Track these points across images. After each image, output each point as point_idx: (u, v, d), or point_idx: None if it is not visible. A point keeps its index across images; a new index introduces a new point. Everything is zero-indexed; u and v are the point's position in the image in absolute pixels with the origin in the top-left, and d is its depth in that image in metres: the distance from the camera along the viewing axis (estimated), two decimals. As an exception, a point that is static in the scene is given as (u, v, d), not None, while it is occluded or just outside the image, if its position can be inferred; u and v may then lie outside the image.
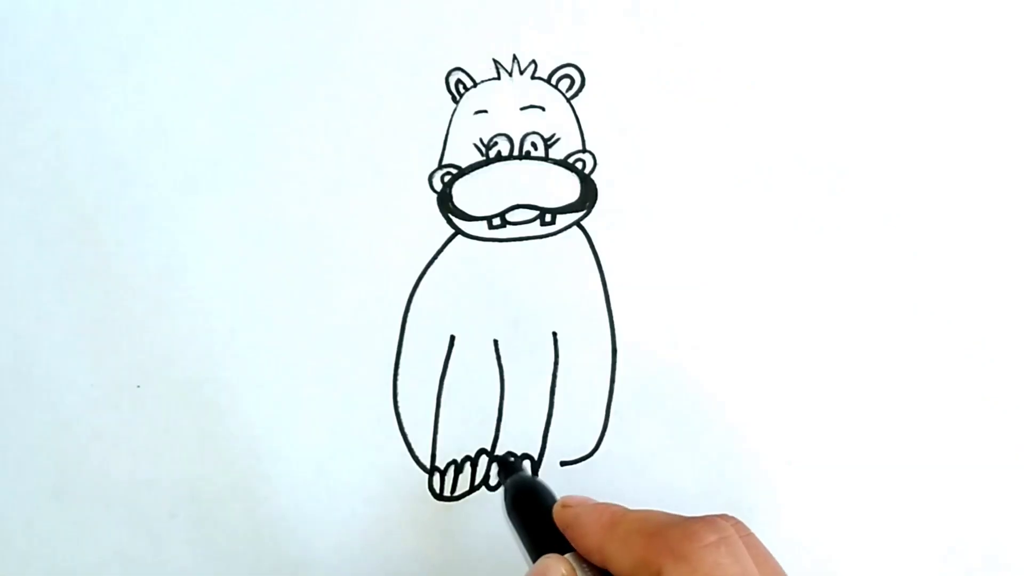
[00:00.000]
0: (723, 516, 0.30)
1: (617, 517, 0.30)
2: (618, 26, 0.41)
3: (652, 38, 0.41)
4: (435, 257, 0.40)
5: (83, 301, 0.40)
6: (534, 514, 0.34)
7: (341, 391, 0.40)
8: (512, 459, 0.39)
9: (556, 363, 0.40)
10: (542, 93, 0.41)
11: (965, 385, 0.40)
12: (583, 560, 0.31)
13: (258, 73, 0.41)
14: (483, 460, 0.40)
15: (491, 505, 0.39)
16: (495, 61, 0.41)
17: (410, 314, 0.40)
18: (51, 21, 0.41)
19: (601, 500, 0.32)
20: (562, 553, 0.31)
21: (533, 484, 0.36)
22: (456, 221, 0.40)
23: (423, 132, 0.41)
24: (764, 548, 0.30)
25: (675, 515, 0.30)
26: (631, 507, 0.31)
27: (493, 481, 0.40)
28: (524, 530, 0.35)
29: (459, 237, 0.40)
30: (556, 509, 0.32)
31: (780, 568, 0.30)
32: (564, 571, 0.30)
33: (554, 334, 0.40)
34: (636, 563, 0.28)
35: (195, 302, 0.40)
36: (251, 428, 0.40)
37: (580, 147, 0.41)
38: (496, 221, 0.40)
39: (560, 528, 0.32)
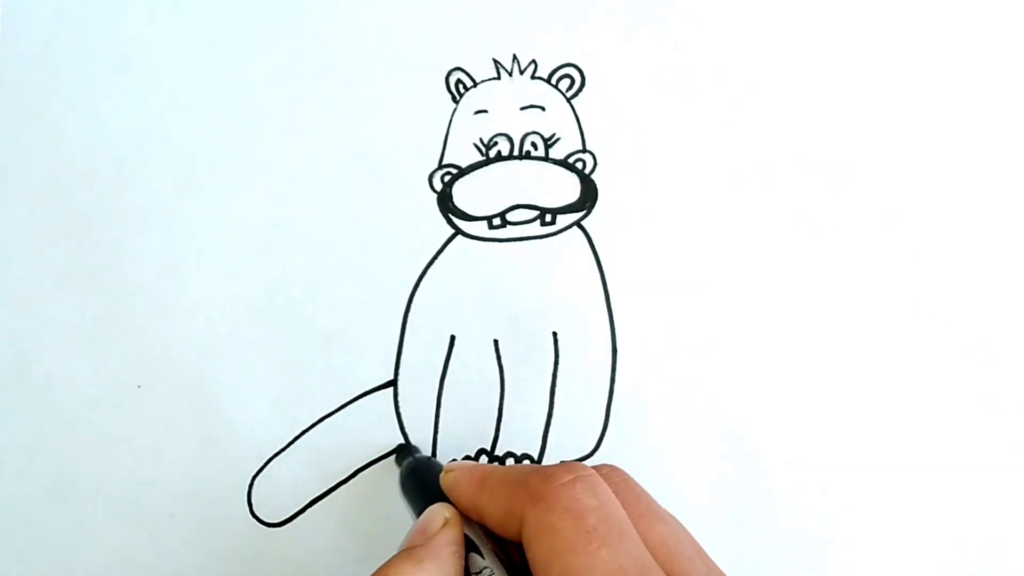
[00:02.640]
0: (596, 466, 0.31)
1: (487, 474, 0.32)
2: (618, 26, 0.41)
3: (652, 38, 0.41)
4: (435, 257, 0.40)
5: (83, 301, 0.40)
6: (425, 487, 0.35)
7: (341, 391, 0.40)
8: (408, 445, 0.40)
9: (556, 363, 0.40)
10: (542, 93, 0.41)
11: (965, 385, 0.40)
12: (466, 518, 0.32)
13: (258, 73, 0.41)
14: (483, 460, 0.40)
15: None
16: (495, 61, 0.41)
17: (410, 314, 0.40)
18: (51, 21, 0.40)
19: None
20: None
21: (422, 461, 0.38)
22: (456, 221, 0.40)
23: (423, 132, 0.41)
24: (640, 489, 0.31)
25: (539, 465, 0.31)
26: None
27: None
28: (416, 502, 0.36)
29: (459, 237, 0.40)
30: (441, 476, 0.34)
31: (658, 508, 0.31)
32: (447, 515, 0.32)
33: (554, 334, 0.40)
34: (503, 513, 0.30)
35: (195, 302, 0.40)
36: (251, 428, 0.40)
37: (580, 147, 0.41)
38: (496, 221, 0.40)
39: (445, 493, 0.33)
